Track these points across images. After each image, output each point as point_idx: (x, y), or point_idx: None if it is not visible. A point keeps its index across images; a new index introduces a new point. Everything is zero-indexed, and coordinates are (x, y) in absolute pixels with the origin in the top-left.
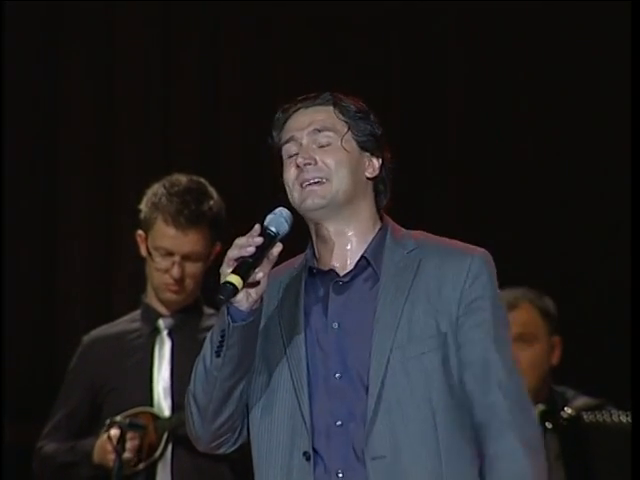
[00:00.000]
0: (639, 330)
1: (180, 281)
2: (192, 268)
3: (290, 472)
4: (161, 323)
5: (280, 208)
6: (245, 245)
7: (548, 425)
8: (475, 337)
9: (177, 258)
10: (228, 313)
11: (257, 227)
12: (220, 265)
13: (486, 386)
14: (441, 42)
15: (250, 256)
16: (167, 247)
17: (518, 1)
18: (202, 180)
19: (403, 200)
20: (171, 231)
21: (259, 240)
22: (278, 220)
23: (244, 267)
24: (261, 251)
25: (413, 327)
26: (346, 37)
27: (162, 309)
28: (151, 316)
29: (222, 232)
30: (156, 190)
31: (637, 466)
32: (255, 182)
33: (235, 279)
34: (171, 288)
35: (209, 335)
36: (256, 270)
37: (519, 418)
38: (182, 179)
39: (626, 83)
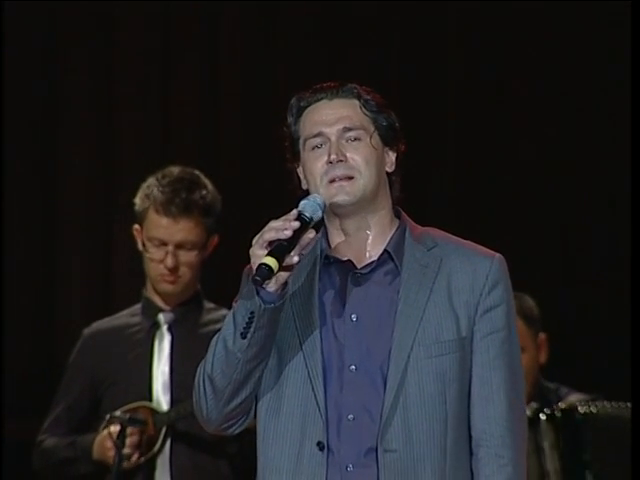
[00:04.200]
0: (639, 330)
1: (174, 270)
2: (186, 257)
3: (300, 460)
4: (161, 317)
5: (315, 194)
6: (282, 228)
7: (542, 417)
8: (484, 349)
9: (170, 247)
10: (258, 295)
11: (294, 211)
12: (217, 258)
13: (485, 407)
14: (441, 41)
15: (285, 239)
16: (160, 237)
17: (518, 1)
18: (195, 171)
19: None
20: (163, 220)
21: (296, 224)
22: (313, 206)
23: (280, 250)
24: (295, 236)
25: (435, 327)
26: (346, 34)
27: (162, 303)
28: (151, 310)
29: (218, 224)
30: (149, 182)
31: (637, 466)
32: (255, 180)
33: (272, 261)
34: (166, 279)
35: (229, 316)
36: (291, 254)
37: (509, 446)
38: (174, 170)
39: (626, 82)
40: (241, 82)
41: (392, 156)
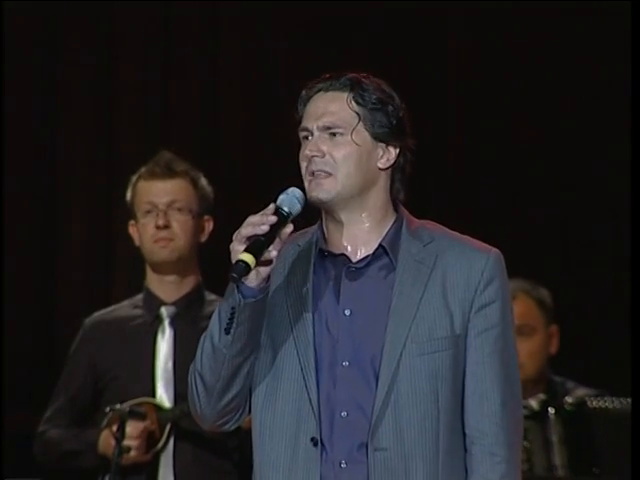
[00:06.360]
0: (639, 325)
1: (166, 227)
2: (177, 218)
3: (295, 455)
4: (163, 312)
5: (293, 188)
6: (259, 223)
7: (551, 410)
8: (478, 346)
9: (161, 207)
10: (238, 290)
11: (272, 206)
12: (217, 256)
13: (479, 405)
14: (441, 42)
15: (263, 235)
16: (149, 200)
17: (519, 1)
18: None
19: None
20: (150, 184)
21: (273, 219)
22: (291, 200)
23: (257, 246)
24: (274, 230)
25: (428, 324)
26: (345, 34)
27: (164, 296)
28: (153, 304)
29: (211, 208)
30: None
31: (637, 464)
32: (255, 178)
33: (248, 257)
34: (160, 243)
35: (215, 313)
36: (269, 249)
37: (503, 444)
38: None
39: (626, 79)
40: (241, 81)
41: (392, 152)
